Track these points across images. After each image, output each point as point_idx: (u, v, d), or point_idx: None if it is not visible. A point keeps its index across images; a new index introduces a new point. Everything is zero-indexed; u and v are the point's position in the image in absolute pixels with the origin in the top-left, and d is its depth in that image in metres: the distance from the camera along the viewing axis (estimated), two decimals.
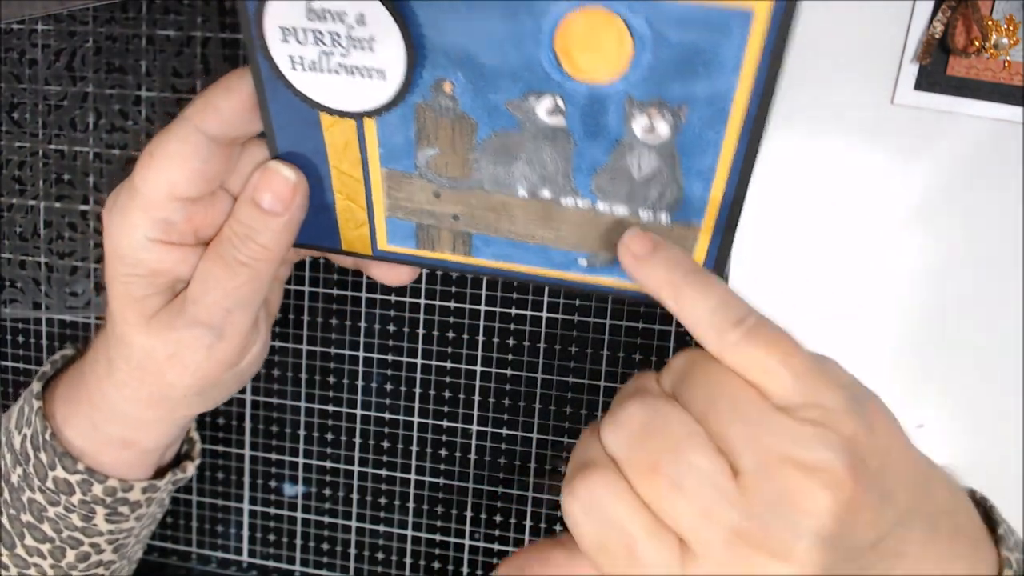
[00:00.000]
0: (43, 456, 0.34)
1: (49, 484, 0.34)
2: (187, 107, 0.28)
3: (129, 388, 0.32)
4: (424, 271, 0.41)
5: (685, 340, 0.40)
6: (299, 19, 0.25)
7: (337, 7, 0.24)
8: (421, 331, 0.43)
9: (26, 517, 0.36)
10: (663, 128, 0.26)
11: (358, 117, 0.27)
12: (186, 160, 0.28)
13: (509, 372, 0.42)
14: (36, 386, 0.36)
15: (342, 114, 0.27)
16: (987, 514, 0.28)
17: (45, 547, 0.36)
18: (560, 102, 0.26)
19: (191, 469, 0.39)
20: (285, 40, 0.25)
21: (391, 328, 0.43)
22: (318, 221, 0.31)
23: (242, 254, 0.29)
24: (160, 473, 0.38)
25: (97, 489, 0.35)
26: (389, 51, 0.25)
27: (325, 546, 0.46)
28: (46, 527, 0.36)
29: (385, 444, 0.44)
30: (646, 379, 0.27)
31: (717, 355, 0.25)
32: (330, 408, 0.44)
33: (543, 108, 0.26)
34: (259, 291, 0.30)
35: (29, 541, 0.36)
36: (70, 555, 0.36)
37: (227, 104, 0.28)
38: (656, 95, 0.25)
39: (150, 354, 0.31)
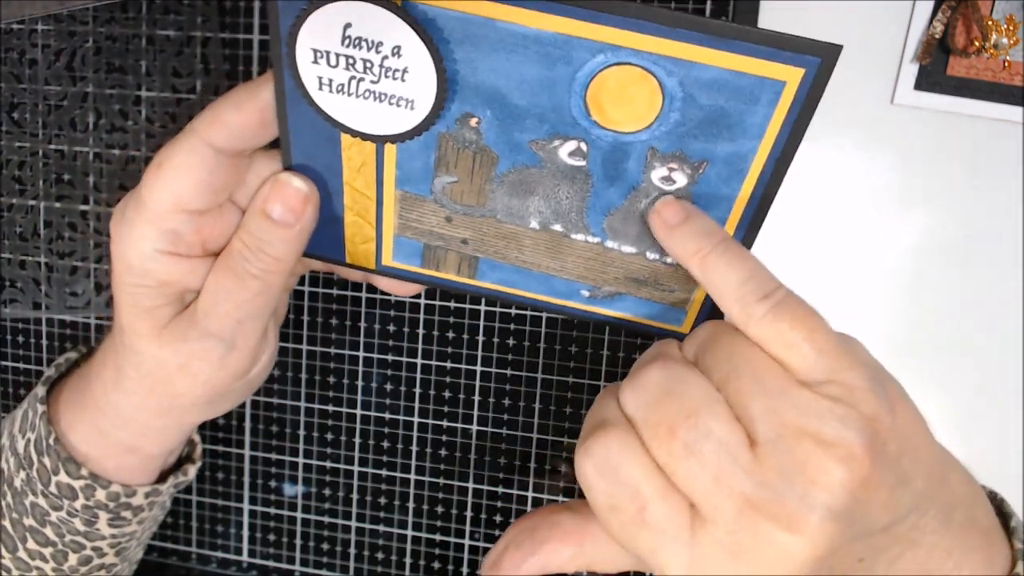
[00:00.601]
0: (47, 461, 0.34)
1: (52, 489, 0.34)
2: (195, 119, 0.28)
3: (138, 396, 0.32)
4: None
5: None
6: (333, 44, 0.25)
7: (374, 37, 0.24)
8: (421, 331, 0.43)
9: (29, 521, 0.36)
10: (681, 179, 0.26)
11: (380, 141, 0.27)
12: (193, 172, 0.28)
13: (509, 372, 0.42)
14: (40, 390, 0.36)
15: (364, 137, 0.27)
16: (999, 508, 0.28)
17: (47, 551, 0.36)
18: (584, 146, 0.26)
19: (192, 472, 0.39)
20: (316, 62, 0.25)
21: (391, 328, 0.43)
22: (325, 233, 0.31)
23: (253, 266, 0.29)
24: (162, 477, 0.38)
25: (100, 494, 0.34)
26: (421, 84, 0.25)
27: (325, 546, 0.46)
28: (48, 531, 0.35)
29: (385, 444, 0.44)
30: (668, 346, 0.27)
31: (742, 327, 0.25)
32: (330, 408, 0.44)
33: (566, 150, 0.26)
34: (269, 302, 0.30)
35: (31, 544, 0.36)
36: (72, 559, 0.36)
37: (236, 119, 0.28)
38: (678, 149, 0.26)
39: (161, 364, 0.31)
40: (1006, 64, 0.35)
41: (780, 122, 0.24)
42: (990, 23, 0.34)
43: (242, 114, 0.27)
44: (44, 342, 0.46)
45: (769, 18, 0.38)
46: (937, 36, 0.35)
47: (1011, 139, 0.37)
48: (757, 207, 0.27)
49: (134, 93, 0.43)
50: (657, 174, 0.26)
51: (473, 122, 0.26)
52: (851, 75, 0.38)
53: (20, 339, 0.46)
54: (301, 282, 0.43)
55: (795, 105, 0.24)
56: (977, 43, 0.35)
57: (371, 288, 0.43)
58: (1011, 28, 0.34)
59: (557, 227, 0.29)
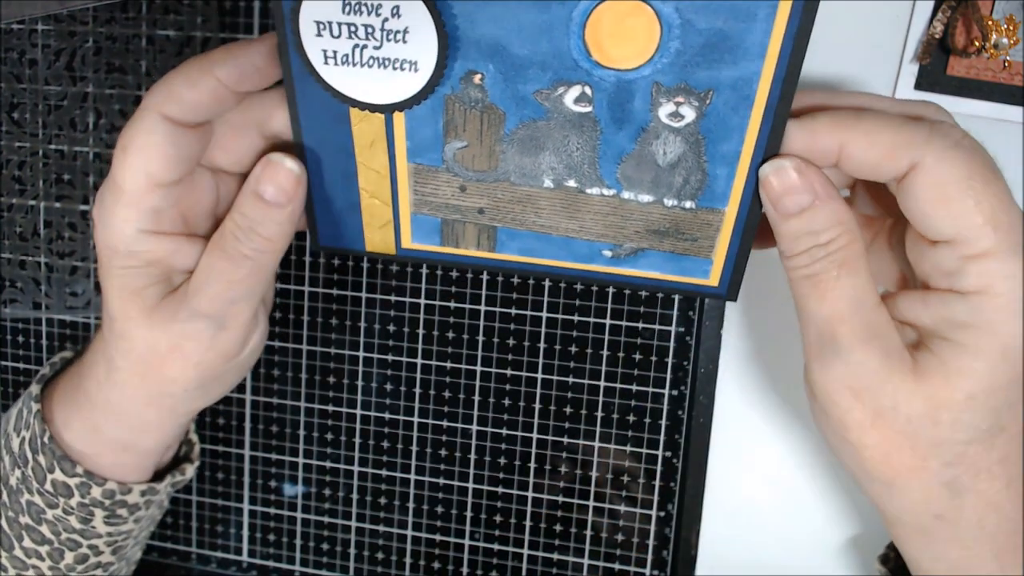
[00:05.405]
0: (41, 459, 0.34)
1: (47, 487, 0.34)
2: (148, 94, 0.28)
3: (130, 387, 0.32)
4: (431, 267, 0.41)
5: (685, 340, 0.40)
6: (334, 13, 0.25)
7: (373, 0, 0.25)
8: (421, 331, 0.43)
9: (24, 519, 0.36)
10: (689, 113, 0.26)
11: (388, 111, 0.27)
12: (158, 148, 0.28)
13: (509, 372, 0.42)
14: (34, 389, 0.36)
15: (373, 108, 0.27)
16: None
17: (43, 549, 0.36)
18: (588, 90, 0.26)
19: (190, 471, 0.39)
20: (319, 34, 0.26)
21: (391, 328, 0.43)
22: (343, 221, 0.31)
23: (245, 246, 0.29)
24: (159, 475, 0.37)
25: (95, 492, 0.34)
26: (422, 42, 0.25)
27: (325, 546, 0.46)
28: (44, 529, 0.35)
29: (385, 444, 0.44)
30: None
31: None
32: (330, 408, 0.44)
33: (571, 97, 0.26)
34: (261, 283, 0.31)
35: (27, 543, 0.36)
36: (68, 557, 0.36)
37: (190, 96, 0.28)
38: (682, 80, 0.25)
39: (152, 347, 0.31)
40: (1006, 64, 0.35)
41: (780, 37, 0.24)
42: (990, 23, 0.34)
43: (196, 91, 0.28)
44: (44, 342, 0.46)
45: None
46: (937, 36, 0.35)
47: (1011, 139, 0.37)
48: (769, 136, 0.26)
49: (134, 93, 0.43)
50: (664, 111, 0.26)
51: (477, 79, 0.26)
52: (851, 75, 0.38)
53: (20, 339, 0.46)
54: (301, 282, 0.43)
55: (793, 16, 0.24)
56: (977, 43, 0.35)
57: (371, 288, 0.43)
58: (1011, 28, 0.34)
59: (571, 183, 0.28)
